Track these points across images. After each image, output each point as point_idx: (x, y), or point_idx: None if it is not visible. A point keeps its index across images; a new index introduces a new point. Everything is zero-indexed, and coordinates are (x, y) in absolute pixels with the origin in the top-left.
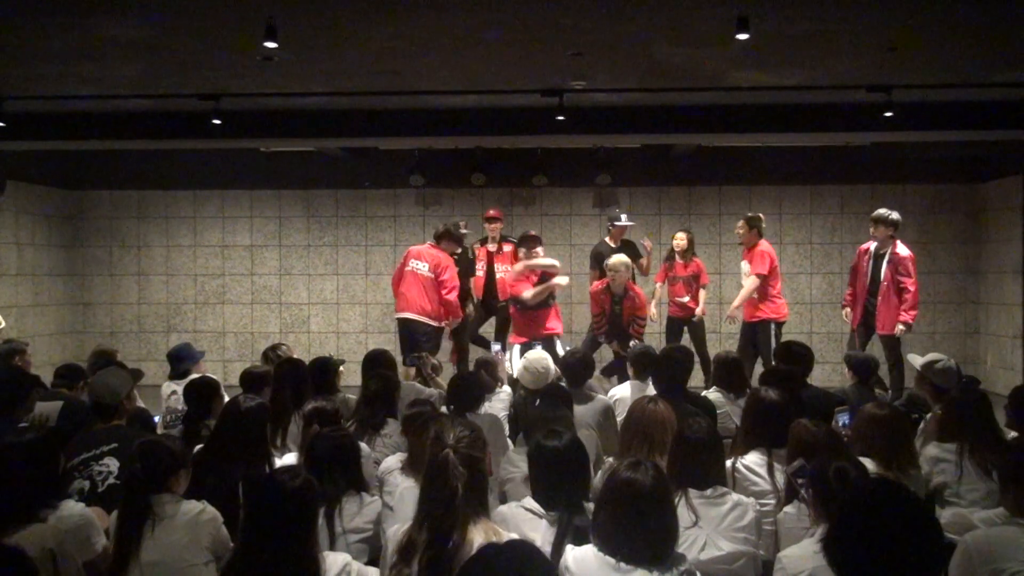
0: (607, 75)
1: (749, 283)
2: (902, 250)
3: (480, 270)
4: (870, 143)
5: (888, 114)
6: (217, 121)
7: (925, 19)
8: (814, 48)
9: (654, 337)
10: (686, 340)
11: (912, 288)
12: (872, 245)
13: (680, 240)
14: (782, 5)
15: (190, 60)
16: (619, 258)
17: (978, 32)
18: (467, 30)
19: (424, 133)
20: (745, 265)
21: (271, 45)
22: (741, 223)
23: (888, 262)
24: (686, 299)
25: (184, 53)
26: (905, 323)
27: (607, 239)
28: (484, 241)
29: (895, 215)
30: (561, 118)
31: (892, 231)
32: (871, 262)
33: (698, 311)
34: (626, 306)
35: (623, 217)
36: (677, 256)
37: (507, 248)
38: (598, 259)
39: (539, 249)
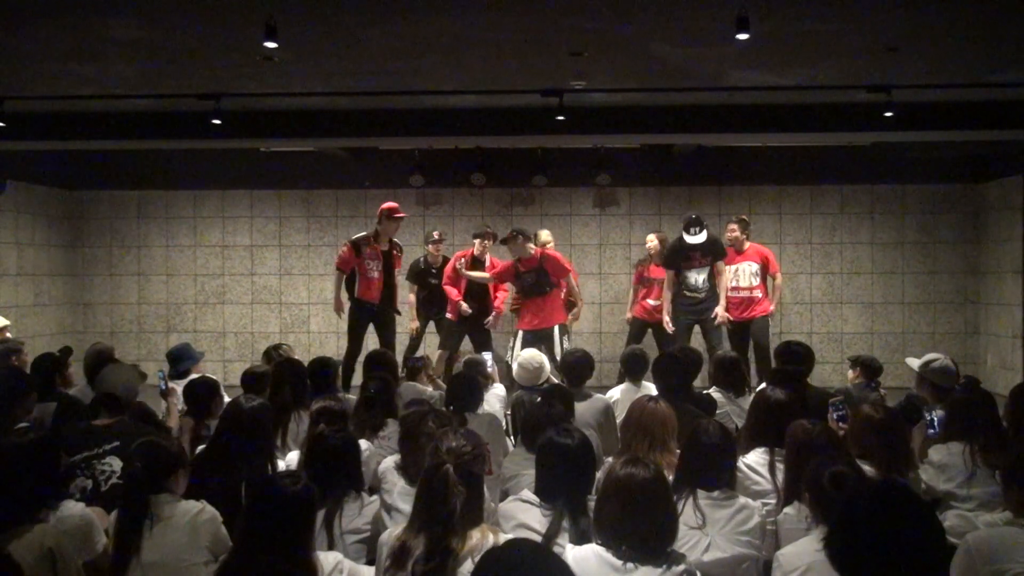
0: (607, 75)
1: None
2: None
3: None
4: (870, 143)
5: (888, 114)
6: (217, 121)
7: (925, 19)
8: (814, 48)
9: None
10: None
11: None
12: None
13: (652, 242)
14: (782, 5)
15: (190, 60)
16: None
17: (978, 32)
18: (467, 30)
19: (424, 133)
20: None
21: (271, 45)
22: (735, 226)
23: None
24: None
25: (184, 53)
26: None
27: None
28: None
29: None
30: (561, 118)
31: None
32: None
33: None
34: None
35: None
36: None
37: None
38: None
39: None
